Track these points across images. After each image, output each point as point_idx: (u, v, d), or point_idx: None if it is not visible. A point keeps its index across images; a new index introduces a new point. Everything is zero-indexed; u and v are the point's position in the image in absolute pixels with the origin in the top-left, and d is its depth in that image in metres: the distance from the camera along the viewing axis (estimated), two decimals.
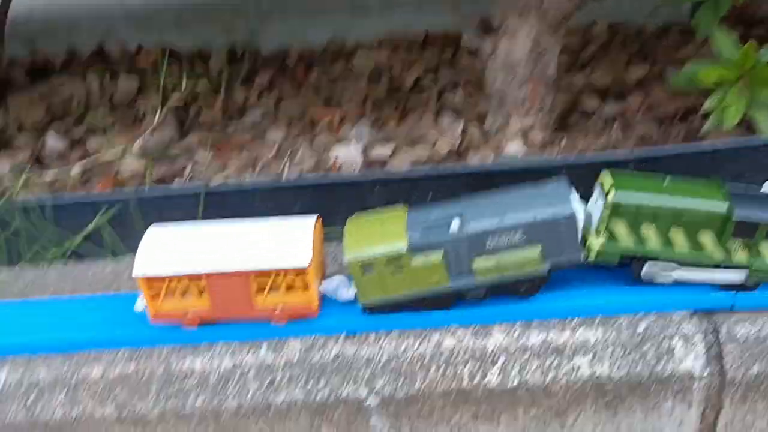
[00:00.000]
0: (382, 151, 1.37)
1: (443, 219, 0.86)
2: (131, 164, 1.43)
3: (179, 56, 1.94)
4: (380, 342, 0.89)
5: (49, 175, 1.35)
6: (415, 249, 0.85)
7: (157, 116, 1.34)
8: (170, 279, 0.88)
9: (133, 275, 0.87)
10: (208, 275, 0.87)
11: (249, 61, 1.86)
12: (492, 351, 0.87)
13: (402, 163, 1.33)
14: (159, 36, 1.99)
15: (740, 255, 0.86)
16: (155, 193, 1.09)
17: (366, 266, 0.86)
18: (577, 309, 0.89)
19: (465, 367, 0.87)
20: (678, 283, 0.89)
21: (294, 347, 0.89)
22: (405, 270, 0.86)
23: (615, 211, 0.84)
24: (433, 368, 0.87)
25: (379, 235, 0.87)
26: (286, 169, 1.29)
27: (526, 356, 0.87)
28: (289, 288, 0.89)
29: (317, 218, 0.92)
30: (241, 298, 0.88)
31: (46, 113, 1.71)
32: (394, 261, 0.85)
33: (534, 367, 0.86)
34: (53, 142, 1.54)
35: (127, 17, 2.03)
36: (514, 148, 1.30)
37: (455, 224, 0.85)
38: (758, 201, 0.87)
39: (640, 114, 1.49)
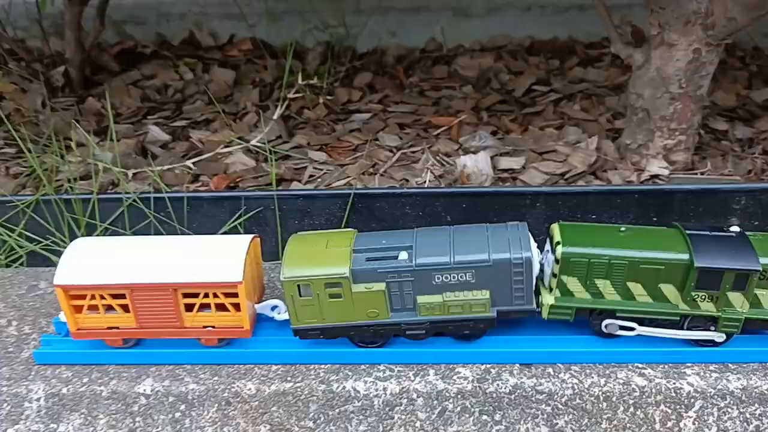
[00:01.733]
0: (510, 163, 1.29)
1: (392, 248, 0.80)
2: (241, 160, 1.36)
3: (272, 50, 1.88)
4: (561, 375, 0.81)
5: (160, 167, 1.29)
6: (357, 275, 0.79)
7: (277, 111, 1.27)
8: (92, 292, 0.82)
9: (54, 283, 0.81)
10: (132, 287, 0.81)
11: (347, 60, 1.79)
12: (687, 394, 0.79)
13: (533, 177, 1.25)
14: (249, 27, 1.94)
15: (707, 305, 0.79)
16: (299, 193, 1.01)
17: (303, 286, 0.79)
18: None
19: (657, 409, 0.79)
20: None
21: (465, 375, 0.82)
22: (345, 296, 0.80)
23: (564, 265, 0.79)
24: (621, 409, 0.79)
25: (322, 256, 0.80)
26: (426, 178, 1.21)
27: (725, 402, 0.79)
28: (221, 307, 0.83)
29: (253, 237, 0.86)
30: (168, 315, 0.83)
31: (141, 101, 1.65)
32: (334, 285, 0.79)
33: (734, 414, 0.79)
34: (156, 132, 1.48)
35: (218, 5, 1.97)
36: (656, 168, 1.23)
37: (403, 256, 0.79)
38: (722, 246, 0.78)
39: None
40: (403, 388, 0.81)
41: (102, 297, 0.82)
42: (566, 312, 0.80)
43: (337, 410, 0.81)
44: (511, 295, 0.79)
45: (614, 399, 0.80)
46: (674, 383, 0.80)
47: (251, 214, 1.02)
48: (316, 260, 0.79)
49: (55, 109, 1.58)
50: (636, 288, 0.79)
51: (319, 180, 1.26)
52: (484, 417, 0.80)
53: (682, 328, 0.81)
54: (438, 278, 0.78)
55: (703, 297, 0.78)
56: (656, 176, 1.22)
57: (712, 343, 0.81)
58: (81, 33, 1.64)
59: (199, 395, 0.82)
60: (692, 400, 0.79)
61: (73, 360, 0.87)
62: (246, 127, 1.52)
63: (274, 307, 0.88)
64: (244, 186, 1.27)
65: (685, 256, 0.77)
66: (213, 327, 0.84)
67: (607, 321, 0.81)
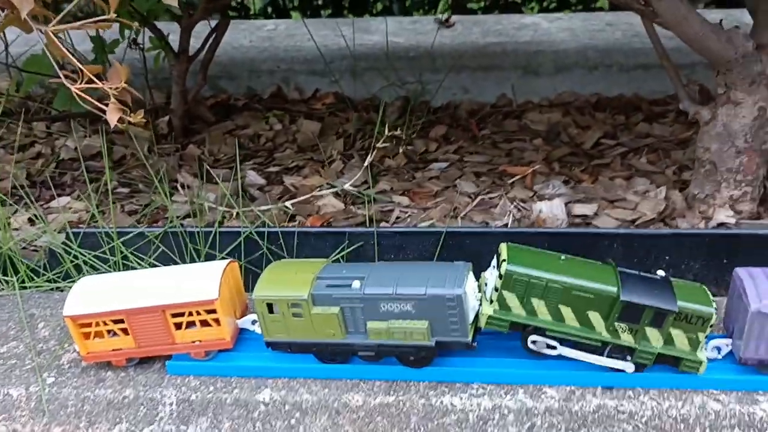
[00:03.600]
0: (584, 209, 1.39)
1: (349, 278, 0.91)
2: (332, 203, 1.49)
3: (353, 103, 2.03)
4: (641, 398, 0.89)
5: (261, 207, 1.42)
6: (316, 299, 0.91)
7: (368, 159, 1.40)
8: (96, 320, 0.96)
9: (63, 315, 0.96)
10: (128, 312, 0.95)
11: (423, 113, 1.93)
12: (760, 419, 0.86)
13: (606, 223, 1.34)
14: (332, 83, 2.09)
15: (627, 336, 0.88)
16: (396, 230, 1.13)
17: (270, 305, 0.92)
18: None
19: None
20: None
21: (552, 394, 0.91)
22: (305, 316, 0.91)
23: (506, 281, 0.87)
24: (697, 430, 0.87)
25: (290, 280, 0.93)
26: (508, 221, 1.32)
27: None
28: (204, 323, 0.96)
29: (230, 261, 1.00)
30: (161, 334, 0.96)
31: (237, 149, 1.80)
32: (295, 306, 0.91)
33: None
34: (253, 177, 1.62)
35: (303, 62, 2.14)
36: (723, 217, 1.31)
37: (356, 284, 0.90)
38: (647, 286, 0.87)
39: None
40: (495, 404, 0.90)
41: (105, 323, 0.96)
42: (502, 324, 0.89)
43: (436, 422, 0.91)
44: (447, 327, 0.89)
45: (691, 422, 0.87)
46: (748, 408, 0.87)
47: (353, 248, 1.14)
48: (284, 283, 0.93)
49: (160, 154, 1.74)
50: (566, 311, 0.88)
51: (406, 221, 1.37)
52: None
53: (602, 354, 0.90)
54: (384, 306, 0.89)
55: (624, 329, 0.87)
56: (723, 224, 1.29)
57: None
58: (185, 87, 1.81)
59: (312, 405, 0.93)
60: (765, 425, 0.86)
61: (200, 371, 0.98)
62: (333, 173, 1.65)
63: (254, 321, 1.00)
64: (337, 225, 1.39)
65: (614, 289, 0.86)
66: (200, 341, 0.97)
67: (534, 337, 0.90)
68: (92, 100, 1.03)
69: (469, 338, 0.89)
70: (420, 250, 1.13)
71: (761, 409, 0.86)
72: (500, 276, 0.87)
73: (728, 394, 0.89)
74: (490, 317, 0.89)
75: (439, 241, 1.13)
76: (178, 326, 0.96)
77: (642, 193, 1.45)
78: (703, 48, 1.19)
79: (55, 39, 1.01)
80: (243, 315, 1.02)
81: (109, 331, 0.97)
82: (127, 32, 1.78)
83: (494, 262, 0.92)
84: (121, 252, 1.18)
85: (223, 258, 1.17)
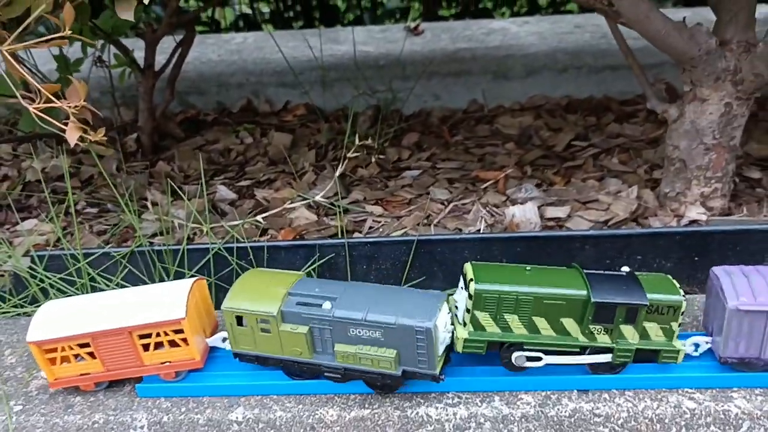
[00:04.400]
0: (556, 212, 1.38)
1: (321, 297, 0.89)
2: (304, 215, 1.47)
3: (324, 114, 2.02)
4: (616, 400, 0.88)
5: (230, 222, 1.41)
6: (285, 316, 0.89)
7: (339, 169, 1.38)
8: (61, 344, 0.93)
9: (27, 341, 0.93)
10: (93, 335, 0.92)
11: (395, 122, 1.92)
12: (735, 416, 0.86)
13: (579, 225, 1.34)
14: (303, 94, 2.08)
15: (603, 337, 0.87)
16: (367, 240, 1.12)
17: (239, 318, 0.90)
18: None
19: (707, 430, 0.86)
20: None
21: (527, 401, 0.90)
22: (273, 332, 0.89)
23: (477, 301, 0.86)
24: (673, 430, 0.86)
25: (262, 293, 0.91)
26: (481, 226, 1.31)
27: None
28: (173, 344, 0.94)
29: (197, 279, 0.97)
30: (128, 356, 0.94)
31: (207, 164, 1.79)
32: (264, 321, 0.89)
33: None
34: (224, 192, 1.60)
35: (273, 74, 2.13)
36: (694, 214, 1.31)
37: (326, 305, 0.88)
38: (615, 284, 0.87)
39: None
40: (471, 413, 0.89)
41: (70, 348, 0.94)
42: (479, 345, 0.88)
43: None
44: (415, 358, 0.86)
45: (667, 421, 0.87)
46: (722, 406, 0.86)
47: (324, 260, 1.12)
48: (255, 297, 0.91)
49: (129, 172, 1.72)
50: (541, 322, 0.87)
51: (379, 231, 1.36)
52: None
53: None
54: (353, 331, 0.87)
55: (600, 330, 0.87)
56: (695, 221, 1.30)
57: (608, 368, 0.90)
58: (152, 103, 1.79)
59: (286, 422, 0.91)
60: (740, 422, 0.86)
61: (171, 393, 0.96)
62: (305, 185, 1.64)
63: (224, 339, 0.98)
64: (309, 238, 1.38)
65: (583, 292, 0.86)
66: (169, 362, 0.95)
67: (516, 354, 0.88)
68: (52, 120, 1.01)
69: (437, 371, 0.87)
70: (392, 260, 1.11)
71: (736, 406, 0.86)
72: (470, 296, 0.86)
73: (703, 393, 0.88)
74: (466, 340, 0.87)
75: (411, 249, 1.12)
76: (146, 347, 0.94)
77: (614, 193, 1.45)
78: (666, 46, 1.19)
79: (12, 59, 0.99)
80: (213, 333, 1.00)
81: (75, 356, 0.95)
82: (91, 50, 1.76)
83: (461, 283, 0.91)
84: (88, 274, 1.16)
85: (192, 276, 1.16)
